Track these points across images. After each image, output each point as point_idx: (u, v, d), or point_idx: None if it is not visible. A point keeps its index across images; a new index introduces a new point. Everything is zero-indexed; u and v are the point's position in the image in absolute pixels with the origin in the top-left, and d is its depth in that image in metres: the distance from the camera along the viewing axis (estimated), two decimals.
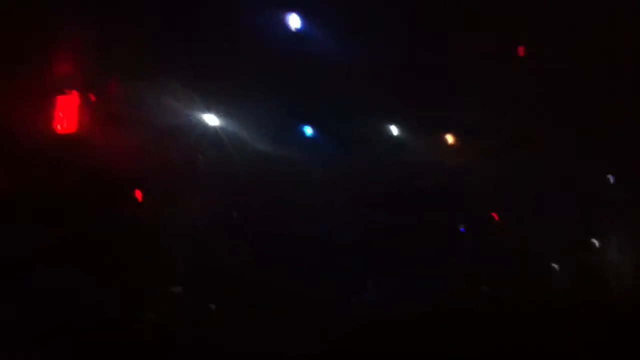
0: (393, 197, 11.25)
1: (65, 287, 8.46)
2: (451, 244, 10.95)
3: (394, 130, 11.45)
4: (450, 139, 11.67)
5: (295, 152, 11.18)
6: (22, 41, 9.50)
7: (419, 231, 11.06)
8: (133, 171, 10.44)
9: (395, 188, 11.26)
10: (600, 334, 7.84)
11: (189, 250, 10.24)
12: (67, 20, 9.76)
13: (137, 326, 8.26)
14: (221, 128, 10.95)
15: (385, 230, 11.18)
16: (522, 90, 10.65)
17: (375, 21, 10.36)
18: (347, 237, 10.94)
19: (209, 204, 10.89)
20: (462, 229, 11.72)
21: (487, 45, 10.29)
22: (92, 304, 8.21)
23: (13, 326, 7.45)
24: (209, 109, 10.85)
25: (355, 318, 8.83)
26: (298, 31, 10.52)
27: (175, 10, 10.00)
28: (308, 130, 11.58)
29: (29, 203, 9.71)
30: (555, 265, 11.43)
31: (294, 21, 10.49)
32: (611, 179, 11.48)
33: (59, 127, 10.24)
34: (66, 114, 10.28)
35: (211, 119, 10.84)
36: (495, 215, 11.87)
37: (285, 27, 10.48)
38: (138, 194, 10.98)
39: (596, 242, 11.98)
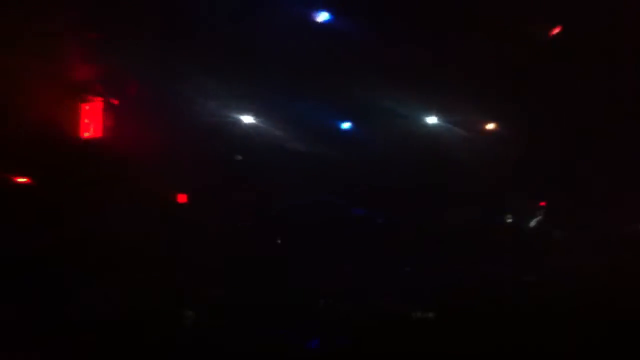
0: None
1: (79, 287, 8.57)
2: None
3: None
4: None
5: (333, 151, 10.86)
6: (46, 48, 9.66)
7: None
8: (162, 173, 10.39)
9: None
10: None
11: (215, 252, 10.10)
12: (90, 25, 9.94)
13: (138, 326, 8.15)
14: (254, 127, 10.81)
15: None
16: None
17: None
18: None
19: (240, 205, 10.77)
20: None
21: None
22: (94, 303, 8.22)
23: (13, 326, 7.48)
24: (239, 109, 10.69)
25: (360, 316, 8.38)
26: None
27: (198, 14, 9.86)
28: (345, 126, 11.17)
29: (57, 207, 10.01)
30: None
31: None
32: None
33: (85, 133, 10.48)
34: (91, 120, 10.50)
35: (243, 119, 10.77)
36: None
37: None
38: (180, 198, 10.99)
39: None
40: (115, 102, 10.41)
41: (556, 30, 9.74)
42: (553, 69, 9.81)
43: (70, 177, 10.12)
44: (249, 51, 9.98)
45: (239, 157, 10.68)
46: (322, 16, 9.89)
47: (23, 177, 10.28)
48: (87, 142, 10.33)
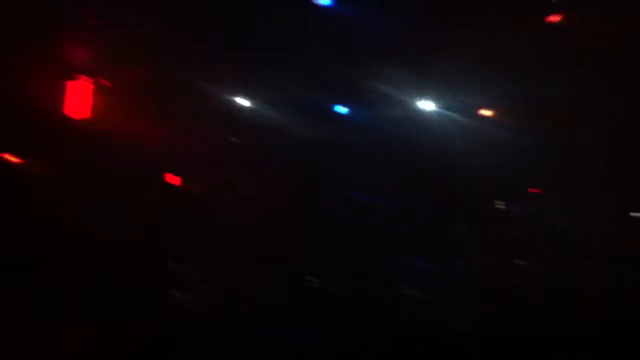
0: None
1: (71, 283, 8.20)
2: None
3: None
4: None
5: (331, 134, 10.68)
6: (34, 26, 9.23)
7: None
8: (153, 157, 10.02)
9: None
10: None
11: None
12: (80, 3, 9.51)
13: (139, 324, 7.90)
14: (248, 111, 10.53)
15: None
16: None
17: None
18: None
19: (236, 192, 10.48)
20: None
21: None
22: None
23: (13, 326, 7.25)
24: (234, 92, 10.39)
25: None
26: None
27: None
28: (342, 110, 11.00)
29: (43, 189, 9.51)
30: None
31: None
32: None
33: (72, 112, 9.98)
34: (80, 100, 10.02)
35: (238, 102, 10.46)
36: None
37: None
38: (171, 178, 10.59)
39: None
40: (107, 83, 9.99)
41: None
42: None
43: (57, 157, 9.69)
44: (246, 31, 9.79)
45: (235, 140, 10.37)
46: None
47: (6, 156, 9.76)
48: (76, 122, 9.88)
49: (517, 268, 9.29)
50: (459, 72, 10.04)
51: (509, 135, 10.51)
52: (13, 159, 9.67)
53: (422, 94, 10.62)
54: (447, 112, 10.68)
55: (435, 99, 10.64)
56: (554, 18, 9.87)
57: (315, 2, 9.96)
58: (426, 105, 10.69)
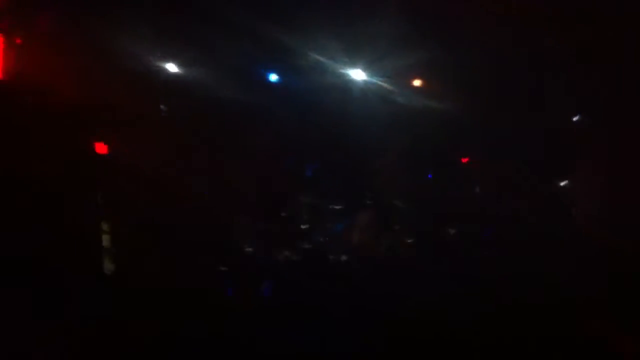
0: None
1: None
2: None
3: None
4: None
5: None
6: None
7: None
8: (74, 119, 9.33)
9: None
10: None
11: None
12: None
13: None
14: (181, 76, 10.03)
15: None
16: None
17: None
18: None
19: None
20: None
21: None
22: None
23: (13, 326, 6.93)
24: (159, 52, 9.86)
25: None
26: None
27: None
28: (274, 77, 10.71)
29: None
30: None
31: None
32: None
33: None
34: None
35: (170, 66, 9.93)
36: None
37: None
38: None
39: None
40: (18, 40, 9.19)
41: None
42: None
43: None
44: None
45: (164, 108, 9.85)
46: None
47: None
48: None
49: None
50: (387, 39, 9.97)
51: (438, 103, 10.59)
52: None
53: (352, 62, 10.51)
54: (376, 80, 10.62)
55: (364, 66, 10.55)
56: None
57: None
58: (356, 73, 10.59)
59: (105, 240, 8.98)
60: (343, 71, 10.51)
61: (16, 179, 8.47)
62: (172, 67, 9.92)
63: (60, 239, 7.93)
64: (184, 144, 9.87)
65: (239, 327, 7.66)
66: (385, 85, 10.59)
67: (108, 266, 8.82)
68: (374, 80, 10.58)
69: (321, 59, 10.24)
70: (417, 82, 10.83)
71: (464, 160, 11.26)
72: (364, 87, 10.60)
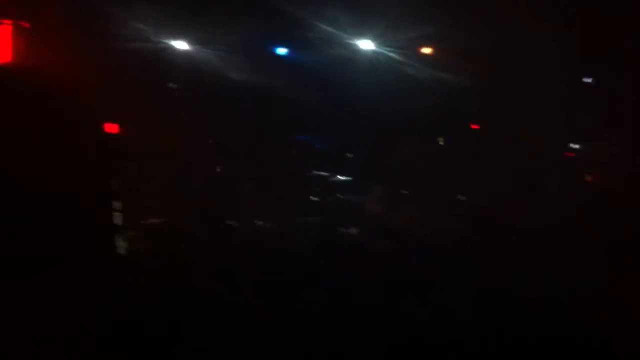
0: None
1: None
2: None
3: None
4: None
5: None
6: None
7: None
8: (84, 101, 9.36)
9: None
10: None
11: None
12: None
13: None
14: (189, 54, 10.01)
15: None
16: None
17: None
18: None
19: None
20: None
21: None
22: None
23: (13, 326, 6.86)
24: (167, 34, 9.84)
25: None
26: None
27: None
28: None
29: None
30: None
31: None
32: None
33: None
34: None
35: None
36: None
37: None
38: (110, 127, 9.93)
39: None
40: (26, 24, 9.19)
41: None
42: None
43: None
44: None
45: (173, 86, 9.87)
46: None
47: None
48: None
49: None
50: (397, 11, 9.87)
51: (446, 73, 10.50)
52: None
53: (361, 34, 10.42)
54: (385, 51, 10.54)
55: (373, 38, 10.46)
56: None
57: None
58: (365, 44, 10.51)
59: (114, 235, 9.01)
60: (352, 42, 10.43)
61: (23, 163, 8.60)
62: (181, 45, 9.86)
63: (66, 233, 8.04)
64: (195, 123, 9.91)
65: (238, 328, 7.67)
66: (394, 55, 10.53)
67: (115, 262, 8.86)
68: (384, 50, 10.51)
69: (331, 30, 10.19)
70: (426, 51, 10.76)
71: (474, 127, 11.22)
72: (373, 58, 10.52)
